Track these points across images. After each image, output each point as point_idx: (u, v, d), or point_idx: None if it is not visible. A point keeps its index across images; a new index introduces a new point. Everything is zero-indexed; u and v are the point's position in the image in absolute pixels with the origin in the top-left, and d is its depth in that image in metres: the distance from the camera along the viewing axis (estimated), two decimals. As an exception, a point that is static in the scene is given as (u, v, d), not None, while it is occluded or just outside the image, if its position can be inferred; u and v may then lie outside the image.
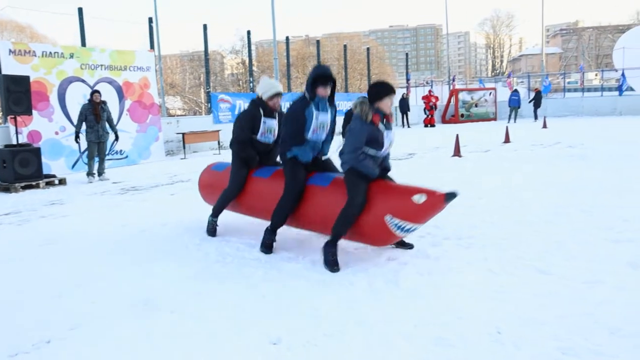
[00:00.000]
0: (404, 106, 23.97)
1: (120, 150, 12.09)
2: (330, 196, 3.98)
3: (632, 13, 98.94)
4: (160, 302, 3.27)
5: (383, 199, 3.68)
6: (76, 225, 5.75)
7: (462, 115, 27.03)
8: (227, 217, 5.21)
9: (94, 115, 9.33)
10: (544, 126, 18.71)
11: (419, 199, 3.49)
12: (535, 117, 23.78)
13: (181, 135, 13.87)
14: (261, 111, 4.64)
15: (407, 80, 28.08)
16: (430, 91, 26.11)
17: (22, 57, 10.27)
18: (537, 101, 23.94)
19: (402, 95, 23.97)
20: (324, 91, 4.17)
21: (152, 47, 14.42)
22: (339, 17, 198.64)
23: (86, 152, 9.84)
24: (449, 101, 27.50)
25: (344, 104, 20.02)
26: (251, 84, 19.62)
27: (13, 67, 9.97)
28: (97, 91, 9.59)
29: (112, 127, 9.71)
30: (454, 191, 3.47)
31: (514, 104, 24.36)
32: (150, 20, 14.85)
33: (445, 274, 3.57)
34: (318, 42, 24.47)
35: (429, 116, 24.68)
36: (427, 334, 2.66)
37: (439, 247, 4.19)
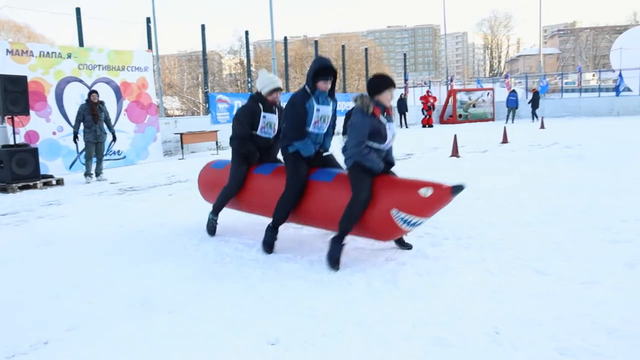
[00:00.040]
0: (402, 106, 23.99)
1: (118, 151, 12.07)
2: (334, 192, 3.96)
3: (630, 14, 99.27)
4: (158, 302, 3.27)
5: (388, 193, 3.66)
6: (74, 226, 5.74)
7: (460, 116, 27.08)
8: (226, 217, 5.21)
9: (92, 116, 9.32)
10: (542, 127, 18.75)
11: (426, 192, 3.48)
12: (533, 118, 23.82)
13: (179, 135, 13.86)
14: (260, 106, 4.62)
15: (405, 80, 28.12)
16: (428, 91, 26.16)
17: (19, 57, 10.25)
18: (534, 102, 23.99)
19: (400, 96, 24.00)
20: (324, 85, 4.16)
21: (150, 47, 14.41)
22: (337, 18, 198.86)
23: (84, 153, 9.82)
24: (446, 101, 27.55)
25: (342, 104, 20.02)
26: (249, 84, 19.62)
27: (10, 67, 9.95)
28: (95, 91, 9.57)
29: (110, 128, 9.70)
30: (461, 184, 3.47)
31: (512, 104, 24.41)
32: (148, 20, 14.84)
33: (444, 274, 3.57)
34: (316, 42, 24.49)
35: (427, 116, 24.73)
36: (425, 334, 2.66)
37: (437, 248, 4.20)
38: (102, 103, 9.59)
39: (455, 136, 11.36)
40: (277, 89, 4.64)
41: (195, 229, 5.22)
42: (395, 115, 23.73)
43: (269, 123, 4.68)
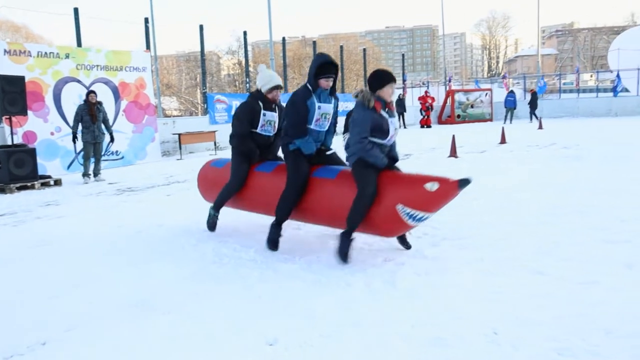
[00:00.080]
0: (401, 107, 24.00)
1: (116, 151, 12.05)
2: (337, 188, 3.95)
3: (627, 15, 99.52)
4: (156, 302, 3.26)
5: (394, 188, 3.65)
6: (72, 226, 5.73)
7: (459, 116, 27.10)
8: (224, 218, 5.20)
9: (90, 116, 9.31)
10: (540, 127, 18.77)
11: (432, 186, 3.47)
12: (531, 118, 23.82)
13: (177, 135, 13.84)
14: (260, 104, 4.60)
15: (404, 81, 28.12)
16: (426, 92, 26.18)
17: (17, 57, 10.23)
18: (533, 102, 23.98)
19: (399, 96, 24.01)
20: (326, 83, 4.15)
21: (148, 47, 14.38)
22: (336, 18, 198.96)
23: (82, 153, 9.81)
24: (445, 102, 27.57)
25: (340, 104, 20.03)
26: (247, 85, 19.61)
27: (8, 67, 9.93)
28: (93, 92, 9.57)
29: (108, 128, 9.69)
30: (467, 177, 3.47)
31: (510, 105, 24.42)
32: (147, 20, 14.82)
33: (443, 274, 3.57)
34: (314, 42, 24.49)
35: (425, 117, 24.75)
36: (424, 334, 2.66)
37: (436, 248, 4.20)
38: (100, 103, 9.58)
39: (453, 136, 11.37)
40: (277, 87, 4.62)
41: (193, 229, 5.21)
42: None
43: (269, 121, 4.66)
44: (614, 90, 26.91)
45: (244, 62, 21.60)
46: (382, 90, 3.84)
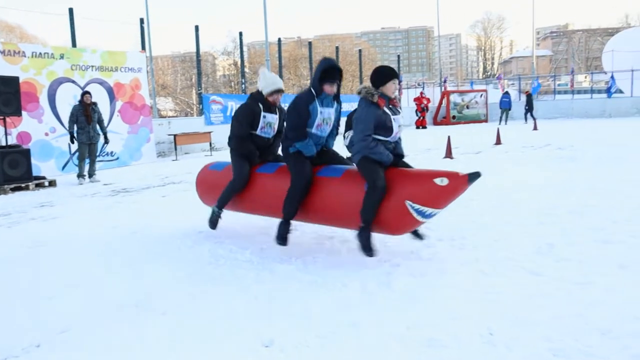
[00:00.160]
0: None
1: (111, 152, 12.01)
2: (344, 187, 3.94)
3: (621, 16, 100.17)
4: (152, 303, 3.25)
5: (402, 185, 3.64)
6: (66, 227, 5.70)
7: (454, 117, 27.16)
8: (221, 219, 5.18)
9: (85, 117, 9.28)
10: (535, 128, 18.85)
11: (442, 181, 3.48)
12: (526, 119, 23.88)
13: (173, 136, 13.82)
14: (260, 106, 4.58)
15: (399, 82, 28.17)
16: (421, 93, 26.21)
17: (11, 57, 10.19)
18: (529, 104, 24.01)
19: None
20: (330, 89, 4.14)
21: (143, 48, 14.36)
22: (331, 19, 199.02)
23: (77, 154, 9.77)
24: (440, 103, 27.63)
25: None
26: (243, 86, 19.59)
27: (2, 68, 9.87)
28: (88, 92, 9.53)
29: (103, 129, 9.66)
30: (477, 171, 3.47)
31: (505, 105, 24.50)
32: (142, 21, 14.79)
33: (438, 275, 3.57)
34: (310, 43, 24.49)
35: (421, 118, 24.78)
36: (419, 335, 2.66)
37: (431, 249, 4.20)
38: (95, 104, 9.55)
39: (448, 137, 11.40)
40: (279, 91, 4.61)
41: (189, 230, 5.20)
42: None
43: (268, 123, 4.64)
44: (608, 91, 27.06)
45: (239, 62, 21.58)
46: (385, 87, 3.85)
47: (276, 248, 4.36)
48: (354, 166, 4.07)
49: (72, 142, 9.37)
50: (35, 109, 10.57)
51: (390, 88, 3.87)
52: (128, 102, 12.56)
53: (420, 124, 24.67)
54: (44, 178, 9.32)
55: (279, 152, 4.67)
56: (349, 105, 18.96)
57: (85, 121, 9.28)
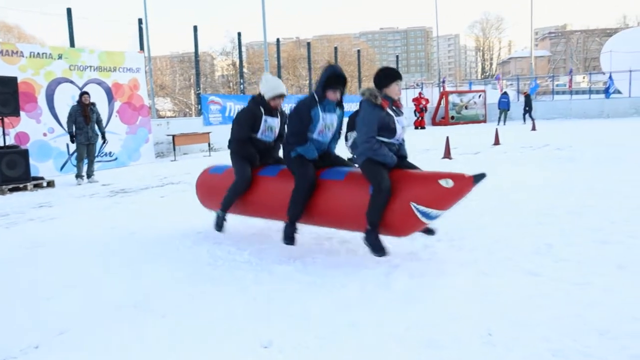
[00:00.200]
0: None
1: (110, 152, 12.00)
2: (348, 189, 3.93)
3: (619, 17, 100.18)
4: (151, 304, 3.25)
5: (407, 186, 3.63)
6: (65, 228, 5.69)
7: (452, 118, 27.18)
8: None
9: (84, 117, 9.27)
10: (533, 128, 18.87)
11: (446, 183, 3.47)
12: (524, 120, 23.91)
13: (171, 137, 13.81)
14: (262, 109, 4.57)
15: (398, 82, 28.10)
16: (420, 93, 26.24)
17: (9, 57, 10.17)
18: (527, 105, 24.02)
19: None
20: (333, 95, 4.15)
21: (141, 48, 14.35)
22: (330, 19, 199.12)
23: (75, 154, 9.76)
24: (439, 103, 27.65)
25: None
26: (242, 86, 19.59)
27: (0, 68, 9.85)
28: (86, 92, 9.53)
29: (101, 129, 9.65)
30: (482, 172, 3.48)
31: (504, 106, 24.52)
32: (140, 21, 14.78)
33: (437, 276, 3.57)
34: (309, 44, 24.50)
35: (419, 118, 24.80)
36: (418, 336, 2.66)
37: (430, 249, 4.20)
38: (93, 104, 9.54)
39: (447, 138, 11.41)
40: (281, 95, 4.60)
41: (187, 231, 5.19)
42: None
43: (270, 127, 4.63)
44: (606, 92, 27.10)
45: (238, 63, 21.58)
46: (389, 88, 3.84)
47: (275, 249, 4.36)
48: (356, 168, 4.07)
49: (73, 142, 9.37)
50: (34, 109, 10.55)
51: (394, 89, 3.86)
52: (126, 102, 12.55)
53: (419, 125, 24.68)
54: (42, 178, 9.30)
55: (280, 154, 4.67)
56: (349, 105, 18.99)
57: (84, 122, 9.27)
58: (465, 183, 3.46)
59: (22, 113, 9.80)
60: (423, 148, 13.54)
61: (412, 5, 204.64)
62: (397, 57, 31.02)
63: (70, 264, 4.25)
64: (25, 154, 8.96)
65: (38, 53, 10.73)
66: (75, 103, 9.45)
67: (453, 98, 27.69)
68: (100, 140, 9.70)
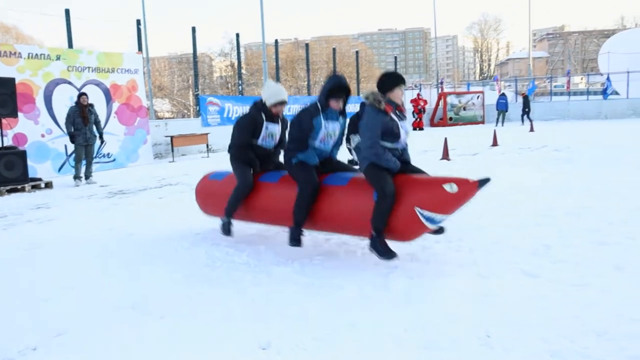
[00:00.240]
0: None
1: (108, 154, 11.99)
2: (350, 195, 3.93)
3: (617, 18, 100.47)
4: (149, 306, 3.25)
5: (411, 191, 3.64)
6: (63, 229, 5.68)
7: (451, 119, 27.20)
8: (217, 221, 5.18)
9: (82, 118, 9.26)
10: (531, 129, 18.90)
11: (451, 188, 3.48)
12: (522, 121, 23.92)
13: (169, 138, 13.79)
14: (263, 116, 4.58)
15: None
16: (418, 94, 26.24)
17: (7, 58, 10.15)
18: (526, 106, 24.03)
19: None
20: (336, 104, 4.19)
21: (140, 49, 14.33)
22: (328, 20, 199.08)
23: (73, 155, 9.75)
24: (437, 104, 27.65)
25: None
26: (240, 87, 19.58)
27: (-2, 69, 9.84)
28: (84, 94, 9.51)
29: (99, 130, 9.64)
30: (487, 177, 3.48)
31: (502, 107, 24.52)
32: (138, 22, 14.76)
33: (435, 277, 3.57)
34: (307, 45, 24.50)
35: (418, 119, 24.81)
36: (417, 338, 2.66)
37: (428, 251, 4.21)
38: (91, 105, 9.53)
39: (445, 139, 11.41)
40: (282, 102, 4.61)
41: (186, 232, 5.19)
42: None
43: (270, 133, 4.64)
44: (604, 93, 27.15)
45: (236, 64, 21.57)
46: (392, 93, 3.83)
47: (273, 250, 4.36)
48: (359, 173, 4.07)
49: (73, 142, 9.35)
50: (32, 110, 10.54)
51: (398, 94, 3.85)
52: (125, 103, 12.53)
53: (417, 126, 24.70)
54: (40, 180, 9.29)
55: (281, 159, 4.67)
56: (348, 107, 18.97)
57: (82, 123, 9.26)
58: (470, 188, 3.47)
59: (20, 114, 9.78)
60: (421, 149, 13.54)
61: (410, 6, 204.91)
62: (396, 58, 31.03)
63: (68, 266, 4.24)
64: (23, 155, 8.95)
65: (36, 54, 10.71)
66: (74, 104, 9.44)
67: (451, 99, 27.70)
68: (98, 141, 9.69)
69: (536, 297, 3.12)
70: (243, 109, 17.11)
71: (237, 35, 18.92)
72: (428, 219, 3.55)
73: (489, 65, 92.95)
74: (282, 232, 4.92)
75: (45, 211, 6.91)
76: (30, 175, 9.22)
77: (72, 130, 9.25)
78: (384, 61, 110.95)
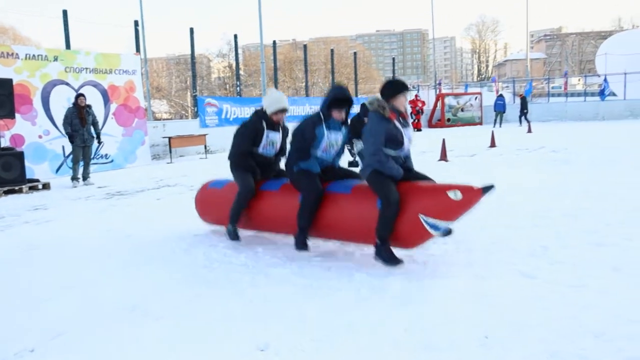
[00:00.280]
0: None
1: (106, 155, 11.97)
2: (354, 202, 3.94)
3: (614, 19, 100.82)
4: (147, 307, 3.24)
5: (415, 198, 3.64)
6: (60, 231, 5.67)
7: (449, 120, 27.24)
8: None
9: (80, 119, 9.25)
10: (529, 131, 18.93)
11: (455, 195, 3.48)
12: (520, 122, 23.97)
13: (167, 139, 13.77)
14: (264, 124, 4.58)
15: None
16: (416, 95, 26.25)
17: (4, 59, 10.13)
18: (523, 107, 24.06)
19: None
20: (338, 115, 4.21)
21: (137, 50, 14.32)
22: (326, 22, 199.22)
23: (71, 156, 9.73)
24: (435, 106, 27.69)
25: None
26: (238, 88, 19.58)
27: (-4, 70, 9.82)
28: (82, 95, 9.51)
29: (96, 131, 9.63)
30: (491, 184, 3.49)
31: (500, 108, 24.56)
32: (136, 23, 14.76)
33: (433, 278, 3.58)
34: (305, 46, 24.49)
35: (416, 120, 24.82)
36: (415, 339, 2.66)
37: (426, 252, 4.20)
38: (89, 106, 9.52)
39: (443, 140, 11.43)
40: (283, 110, 4.61)
41: (184, 233, 5.18)
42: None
43: (271, 141, 4.64)
44: (602, 94, 27.21)
45: (234, 65, 21.57)
46: (396, 100, 3.83)
47: (271, 252, 4.36)
48: (361, 180, 4.07)
49: (72, 142, 9.34)
50: (29, 111, 10.52)
51: (401, 101, 3.85)
52: (122, 104, 12.52)
53: (415, 127, 24.70)
54: (37, 181, 9.27)
55: (282, 166, 4.68)
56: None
57: (80, 124, 9.25)
58: (474, 195, 3.48)
59: (17, 115, 9.77)
60: (419, 150, 13.54)
61: (408, 7, 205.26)
62: (394, 59, 31.04)
63: (66, 267, 4.24)
64: (20, 156, 8.93)
65: (34, 55, 10.70)
66: (71, 105, 9.42)
67: (449, 100, 27.74)
68: (95, 142, 9.68)
69: (534, 298, 3.12)
70: (241, 110, 17.11)
71: (235, 36, 18.93)
72: (432, 226, 3.56)
73: (487, 66, 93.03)
74: (279, 234, 4.92)
75: (43, 212, 6.90)
76: (28, 176, 9.20)
77: (69, 131, 9.23)
78: (382, 62, 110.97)
